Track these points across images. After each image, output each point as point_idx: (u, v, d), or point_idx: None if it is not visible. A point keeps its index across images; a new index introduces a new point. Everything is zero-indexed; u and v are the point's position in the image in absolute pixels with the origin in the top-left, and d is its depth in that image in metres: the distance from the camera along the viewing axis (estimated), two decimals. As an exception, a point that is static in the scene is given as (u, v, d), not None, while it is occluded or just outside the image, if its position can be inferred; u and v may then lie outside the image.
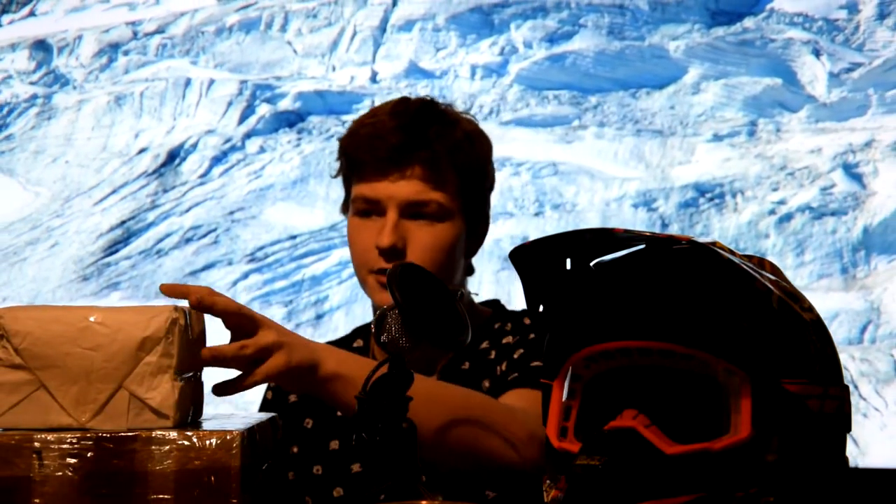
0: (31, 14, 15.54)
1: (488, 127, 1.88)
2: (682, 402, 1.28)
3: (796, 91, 13.40)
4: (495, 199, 1.87)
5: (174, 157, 12.78)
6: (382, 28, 13.34)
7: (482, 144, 1.81)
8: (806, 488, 1.28)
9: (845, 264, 11.00)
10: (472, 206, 1.77)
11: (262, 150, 12.48)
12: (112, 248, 12.66)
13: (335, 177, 1.81)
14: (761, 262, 1.34)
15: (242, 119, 13.00)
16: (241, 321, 1.40)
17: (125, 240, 12.82)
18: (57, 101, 13.87)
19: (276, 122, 12.71)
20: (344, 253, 12.92)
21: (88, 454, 1.29)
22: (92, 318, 1.30)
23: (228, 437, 1.30)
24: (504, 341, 1.75)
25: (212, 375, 1.52)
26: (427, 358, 1.75)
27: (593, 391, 1.31)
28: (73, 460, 1.29)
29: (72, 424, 1.30)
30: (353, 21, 13.57)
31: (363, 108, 12.44)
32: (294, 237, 12.50)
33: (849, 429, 1.31)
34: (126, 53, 14.04)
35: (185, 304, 1.39)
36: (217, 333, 1.52)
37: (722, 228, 11.86)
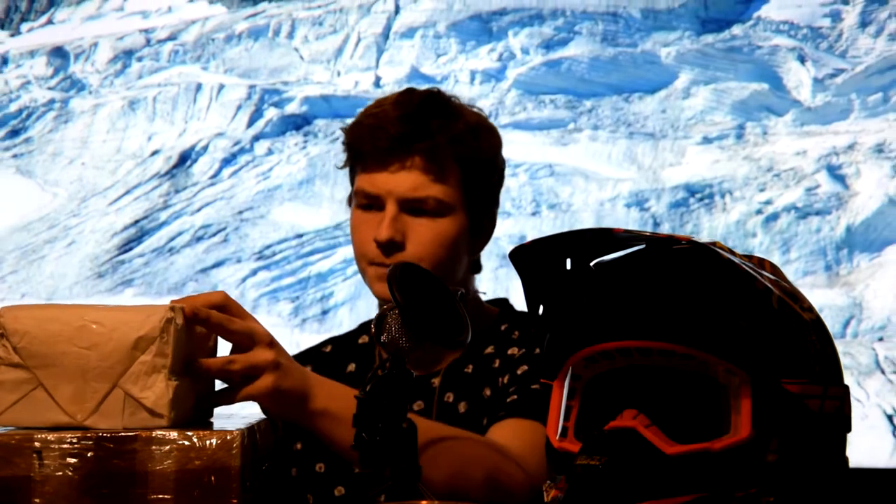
0: (49, 22, 15.54)
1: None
2: (681, 402, 1.22)
3: (782, 96, 13.41)
4: (495, 203, 1.80)
5: (185, 159, 12.76)
6: (385, 35, 13.34)
7: (488, 137, 1.72)
8: (806, 488, 1.23)
9: (829, 262, 10.99)
10: (476, 200, 1.68)
11: (269, 152, 12.46)
12: (126, 247, 12.64)
13: (342, 168, 1.73)
14: (761, 262, 1.28)
15: (251, 122, 13.00)
16: (238, 337, 1.33)
17: (138, 238, 12.81)
18: (73, 105, 13.87)
19: (284, 125, 12.70)
20: (348, 251, 12.89)
21: (89, 454, 1.24)
22: (88, 318, 1.25)
23: (228, 437, 1.24)
24: (510, 352, 1.67)
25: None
26: (429, 359, 1.68)
27: (593, 391, 1.26)
28: (73, 460, 1.23)
29: (69, 423, 1.25)
30: (358, 28, 13.58)
31: (367, 112, 12.42)
32: (300, 236, 12.48)
33: (849, 429, 1.25)
34: (139, 59, 14.04)
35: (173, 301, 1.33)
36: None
37: (711, 228, 11.85)
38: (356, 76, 13.51)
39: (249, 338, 1.31)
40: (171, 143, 13.89)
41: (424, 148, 1.62)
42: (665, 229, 12.28)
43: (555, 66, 13.01)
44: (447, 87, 1.77)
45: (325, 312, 12.39)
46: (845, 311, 9.86)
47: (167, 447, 1.24)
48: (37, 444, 1.24)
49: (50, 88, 15.32)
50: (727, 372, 1.21)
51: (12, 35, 16.37)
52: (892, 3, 14.58)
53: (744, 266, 1.22)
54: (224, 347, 1.40)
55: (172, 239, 13.64)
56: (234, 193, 13.34)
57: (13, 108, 15.29)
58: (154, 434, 1.25)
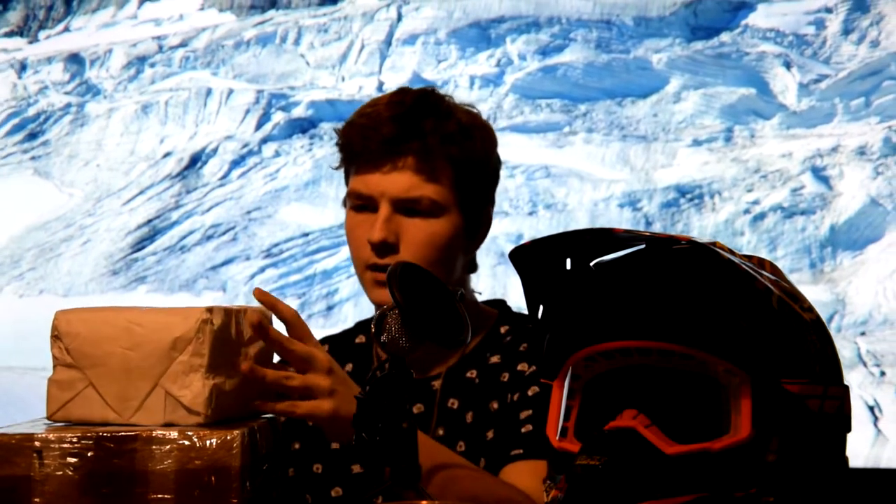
0: (66, 30, 15.55)
1: (487, 134, 1.75)
2: (681, 402, 1.17)
3: (769, 100, 13.44)
4: (492, 202, 1.73)
5: (196, 160, 12.77)
6: (388, 42, 13.36)
7: (480, 136, 1.65)
8: (806, 488, 1.17)
9: (814, 260, 11.01)
10: (470, 199, 1.60)
11: (277, 154, 12.47)
12: (139, 245, 12.64)
13: (336, 168, 1.66)
14: (761, 262, 1.23)
15: (259, 126, 13.01)
16: (295, 359, 1.28)
17: (151, 237, 12.81)
18: (89, 109, 13.87)
19: (290, 128, 12.71)
20: (353, 249, 12.96)
21: (89, 454, 1.18)
22: (132, 320, 1.25)
23: (228, 437, 1.19)
24: (520, 367, 1.59)
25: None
26: (430, 360, 1.61)
27: (593, 391, 1.20)
28: (73, 460, 1.18)
29: (117, 420, 1.23)
30: (361, 35, 13.60)
31: (370, 116, 12.44)
32: (307, 234, 12.49)
33: (849, 429, 1.19)
34: (152, 65, 14.05)
35: (224, 304, 1.29)
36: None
37: (701, 227, 11.87)
38: (360, 81, 13.54)
39: (307, 362, 1.27)
40: (183, 145, 13.92)
41: (416, 148, 1.55)
42: (657, 228, 12.30)
43: (551, 72, 13.05)
44: (447, 92, 1.68)
45: (330, 308, 12.40)
46: (829, 306, 9.87)
47: (167, 447, 1.19)
48: (37, 443, 1.19)
49: (66, 93, 15.35)
50: (727, 372, 1.16)
51: (30, 42, 16.40)
52: (874, 11, 14.61)
53: (744, 266, 1.17)
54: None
55: (184, 238, 13.66)
56: (243, 194, 13.37)
57: (31, 111, 15.31)
58: (154, 434, 1.20)
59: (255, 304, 1.37)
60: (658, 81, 12.12)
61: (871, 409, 8.59)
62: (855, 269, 10.97)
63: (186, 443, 1.18)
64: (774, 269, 1.22)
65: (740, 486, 1.15)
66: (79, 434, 1.19)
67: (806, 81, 13.78)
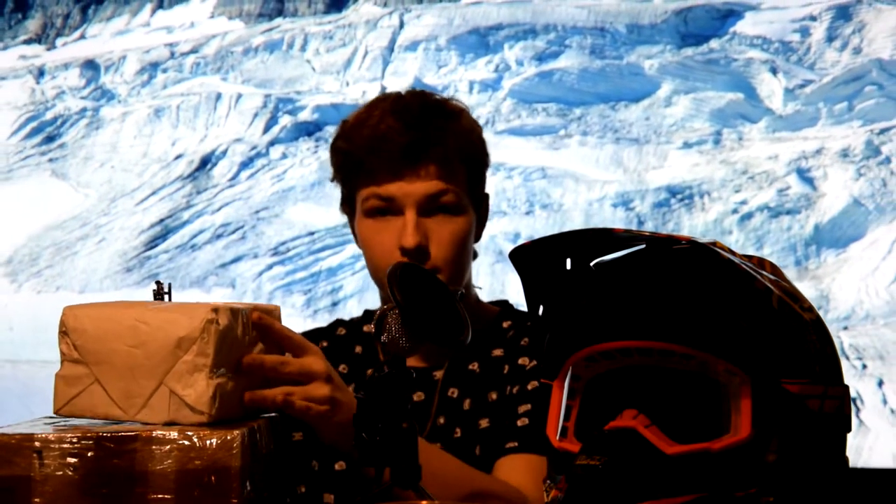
0: (82, 37, 15.53)
1: (485, 136, 1.68)
2: (682, 403, 1.11)
3: (756, 104, 13.43)
4: (490, 200, 1.67)
5: (206, 162, 12.77)
6: (391, 48, 13.34)
7: (479, 132, 1.60)
8: (806, 488, 1.12)
9: (799, 257, 11.00)
10: (477, 195, 1.56)
11: (284, 156, 12.47)
12: (152, 243, 12.64)
13: (332, 181, 1.58)
14: (761, 262, 1.17)
15: (267, 129, 13.01)
16: (295, 377, 1.23)
17: (163, 236, 12.81)
18: (104, 113, 13.87)
19: (297, 131, 12.71)
20: (356, 247, 12.94)
21: (89, 454, 1.13)
22: (138, 317, 1.20)
23: (228, 437, 1.13)
24: (521, 361, 1.53)
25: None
26: (433, 353, 1.55)
27: (593, 391, 1.15)
28: (73, 460, 1.13)
29: (121, 417, 1.18)
30: (365, 42, 13.58)
31: (374, 119, 12.46)
32: (312, 233, 12.49)
33: (849, 429, 1.14)
34: (164, 71, 14.05)
35: (233, 300, 1.25)
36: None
37: (691, 226, 11.85)
38: (364, 86, 13.52)
39: (306, 375, 1.21)
40: (193, 147, 13.90)
41: (438, 154, 1.49)
42: (648, 227, 12.28)
43: (547, 77, 13.03)
44: (447, 97, 1.62)
45: (334, 304, 12.39)
46: (813, 302, 9.83)
47: (167, 447, 1.14)
48: (37, 443, 1.14)
49: (82, 98, 15.33)
50: (727, 372, 1.11)
51: (48, 49, 16.36)
52: (856, 19, 14.59)
53: (744, 266, 1.11)
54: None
55: (194, 236, 13.65)
56: (251, 194, 13.35)
57: (49, 115, 15.29)
58: (154, 434, 1.15)
59: (263, 300, 1.32)
60: (650, 86, 12.11)
61: (854, 400, 8.61)
62: (838, 267, 10.96)
63: (186, 443, 1.13)
64: (774, 269, 1.17)
65: (740, 486, 1.10)
66: (79, 434, 1.14)
67: (791, 86, 13.79)
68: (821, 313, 1.05)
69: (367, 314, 1.62)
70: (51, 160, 15.32)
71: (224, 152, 13.88)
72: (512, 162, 10.58)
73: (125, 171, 13.99)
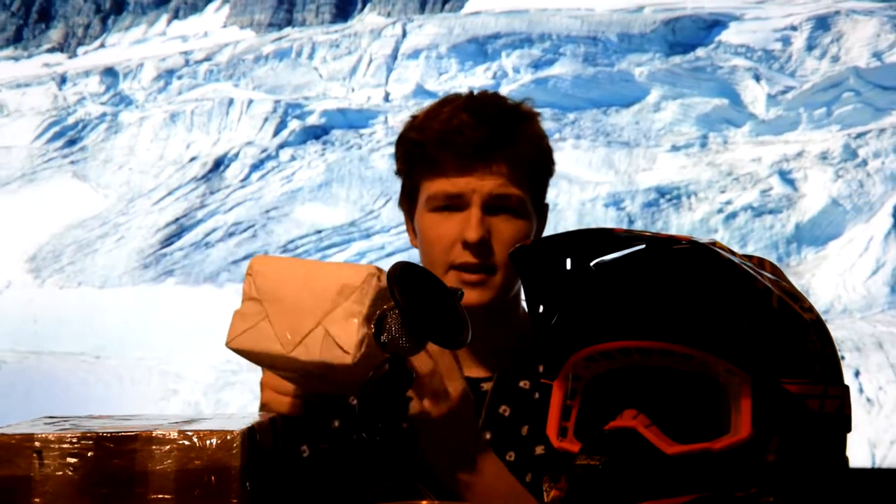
0: (102, 46, 15.54)
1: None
2: (682, 402, 1.04)
3: (740, 110, 13.44)
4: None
5: (219, 164, 12.77)
6: (394, 56, 13.34)
7: (547, 140, 1.46)
8: (806, 488, 1.05)
9: (780, 254, 11.00)
10: (540, 202, 1.45)
11: (292, 158, 12.47)
12: (168, 241, 12.62)
13: (398, 174, 1.47)
14: (761, 262, 1.10)
15: (276, 132, 13.02)
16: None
17: (178, 234, 12.80)
18: (122, 118, 13.87)
19: (305, 135, 12.71)
20: (362, 245, 12.92)
21: (89, 454, 1.06)
22: (313, 268, 1.24)
23: (228, 437, 1.07)
24: None
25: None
26: (481, 359, 1.43)
27: (593, 391, 1.08)
28: (73, 460, 1.06)
29: (279, 352, 1.19)
30: (370, 50, 13.60)
31: (378, 123, 12.37)
32: (320, 232, 12.46)
33: (849, 429, 1.07)
34: (179, 78, 14.06)
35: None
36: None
37: (679, 225, 11.84)
38: (368, 92, 13.52)
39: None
40: (207, 150, 13.90)
41: (508, 154, 1.38)
42: (638, 226, 12.26)
43: (542, 84, 13.05)
44: (520, 99, 1.51)
45: (341, 298, 12.27)
46: (795, 297, 9.88)
47: (167, 447, 1.07)
48: (37, 443, 1.07)
49: (102, 103, 15.34)
50: (727, 372, 1.04)
51: (70, 57, 16.37)
52: (834, 29, 14.56)
53: (744, 266, 1.05)
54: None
55: (208, 234, 13.65)
56: (262, 195, 13.36)
57: (70, 120, 15.29)
58: (154, 434, 1.08)
59: None
60: (639, 92, 12.10)
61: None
62: (818, 263, 10.96)
63: (186, 443, 1.07)
64: (774, 269, 1.10)
65: (740, 486, 1.03)
66: (79, 434, 1.07)
67: (773, 93, 13.79)
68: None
69: None
70: (72, 162, 15.31)
71: (236, 155, 13.88)
72: (509, 164, 10.56)
73: (142, 173, 13.97)
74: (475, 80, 12.36)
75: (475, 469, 1.19)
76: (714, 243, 1.06)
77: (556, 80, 13.19)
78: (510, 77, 12.79)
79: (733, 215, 12.02)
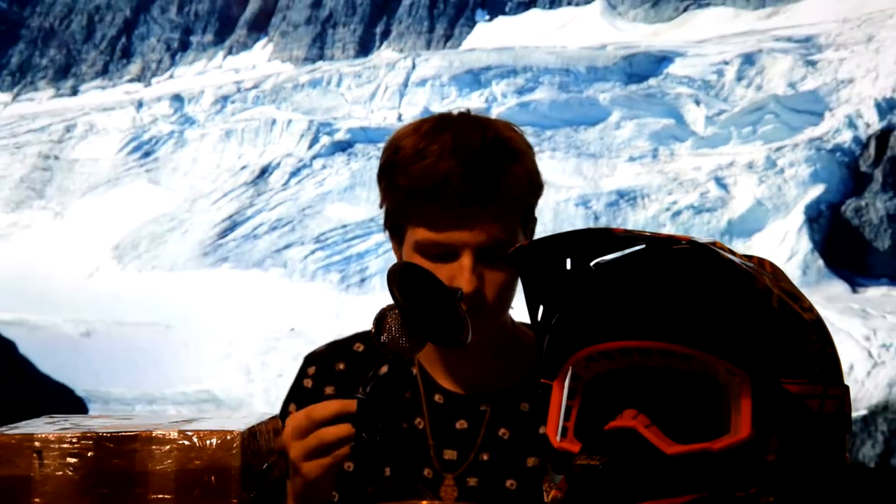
0: (171, 77, 15.40)
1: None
2: (681, 402, 0.80)
3: (684, 128, 13.33)
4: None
5: (264, 172, 12.57)
6: (405, 84, 13.22)
7: (536, 167, 1.23)
8: (806, 488, 0.81)
9: (716, 245, 10.96)
10: (530, 228, 1.14)
11: (323, 167, 12.30)
12: (223, 234, 12.45)
13: (381, 206, 1.16)
14: (761, 262, 0.86)
15: (310, 146, 12.89)
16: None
17: (232, 228, 12.63)
18: (187, 134, 13.73)
19: (334, 148, 12.57)
20: (381, 237, 12.69)
21: (89, 454, 0.82)
22: None
23: (228, 437, 0.83)
24: None
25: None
26: (479, 378, 1.16)
27: (593, 391, 0.84)
28: (73, 460, 0.82)
29: None
30: (386, 79, 13.47)
31: (392, 139, 12.43)
32: (345, 226, 12.23)
33: (849, 429, 0.83)
34: (232, 102, 13.91)
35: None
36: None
37: (635, 221, 11.74)
38: (384, 113, 13.45)
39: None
40: (255, 160, 13.78)
41: (498, 200, 1.07)
42: (603, 222, 12.14)
43: (525, 107, 12.97)
44: (509, 126, 1.16)
45: (363, 280, 12.14)
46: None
47: (167, 447, 0.83)
48: (37, 443, 0.83)
49: (171, 123, 15.19)
50: (727, 372, 0.80)
51: (146, 86, 16.20)
52: (758, 64, 14.41)
53: (744, 266, 0.80)
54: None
55: (255, 228, 13.50)
56: (299, 196, 13.23)
57: (145, 136, 15.05)
58: (154, 434, 0.84)
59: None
60: (603, 114, 11.90)
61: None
62: (745, 252, 10.95)
63: (186, 443, 0.83)
64: (774, 269, 0.87)
65: (740, 486, 0.80)
66: (79, 434, 0.83)
67: (710, 114, 13.57)
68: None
69: (359, 335, 1.21)
70: (147, 171, 15.16)
71: (278, 164, 13.75)
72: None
73: (203, 179, 13.82)
74: (471, 103, 12.25)
75: None
76: (714, 243, 0.82)
77: (536, 104, 13.07)
78: (499, 101, 12.70)
79: (678, 213, 11.82)
